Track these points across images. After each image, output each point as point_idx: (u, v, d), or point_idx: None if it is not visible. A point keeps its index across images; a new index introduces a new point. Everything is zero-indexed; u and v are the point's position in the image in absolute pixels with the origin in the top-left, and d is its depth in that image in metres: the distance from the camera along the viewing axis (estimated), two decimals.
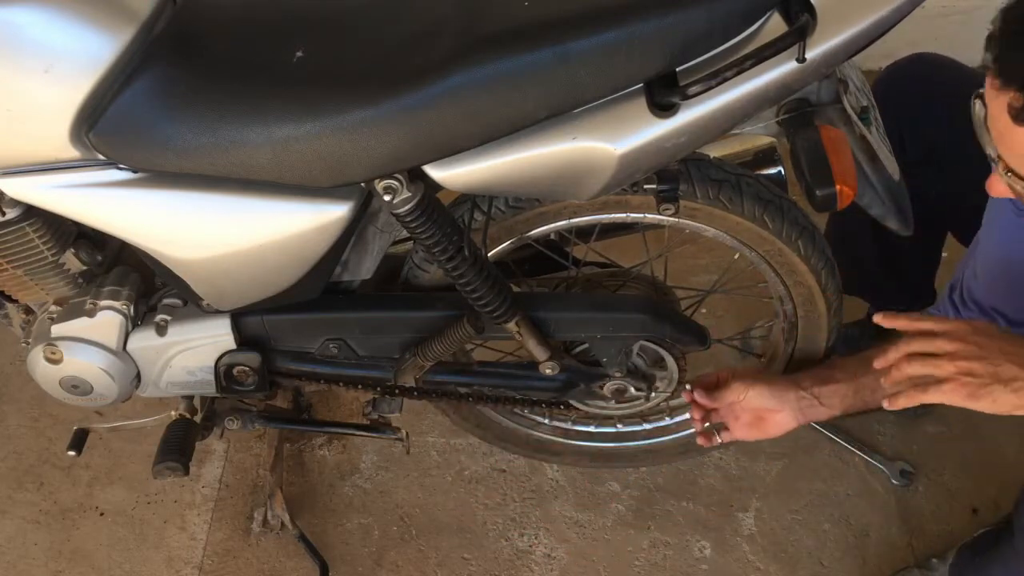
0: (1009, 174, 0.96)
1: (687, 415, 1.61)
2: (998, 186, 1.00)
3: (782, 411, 1.30)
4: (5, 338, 1.88)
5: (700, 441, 1.38)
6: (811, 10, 0.94)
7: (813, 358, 1.46)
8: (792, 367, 1.48)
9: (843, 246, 1.60)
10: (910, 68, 1.48)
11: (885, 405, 1.04)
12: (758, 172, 1.29)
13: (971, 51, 1.49)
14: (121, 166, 1.06)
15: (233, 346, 1.30)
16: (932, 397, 1.01)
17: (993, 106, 0.92)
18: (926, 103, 1.42)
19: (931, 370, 1.01)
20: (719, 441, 1.36)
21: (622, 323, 1.30)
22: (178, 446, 1.37)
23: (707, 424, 1.37)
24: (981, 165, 1.20)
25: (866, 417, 1.80)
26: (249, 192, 1.07)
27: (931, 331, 1.04)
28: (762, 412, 1.31)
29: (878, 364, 1.07)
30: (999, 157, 0.96)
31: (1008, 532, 1.30)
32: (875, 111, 1.22)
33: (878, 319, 1.09)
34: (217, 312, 1.28)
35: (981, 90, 0.95)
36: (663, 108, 0.97)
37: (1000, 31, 0.90)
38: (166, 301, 1.30)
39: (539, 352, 1.32)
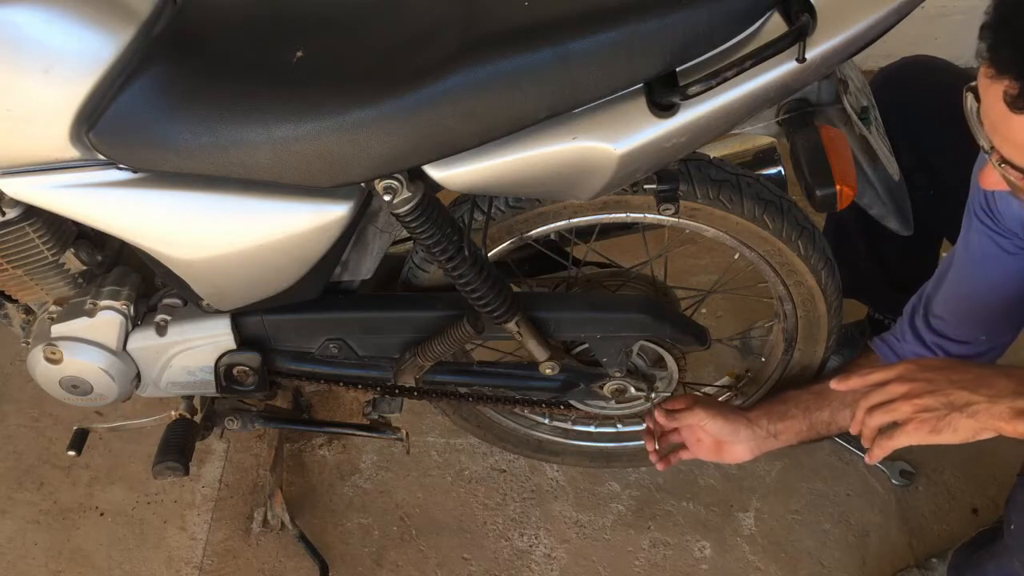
0: (1003, 165, 0.95)
1: None
2: (991, 177, 1.00)
3: (738, 444, 1.36)
4: (5, 338, 1.88)
5: (659, 466, 1.43)
6: (811, 10, 0.94)
7: (813, 359, 1.46)
8: (791, 368, 1.48)
9: (839, 249, 1.60)
10: (902, 72, 1.47)
11: (867, 460, 1.08)
12: (758, 172, 1.29)
13: (971, 51, 1.48)
14: (121, 166, 1.06)
15: (233, 346, 1.30)
16: (899, 441, 1.03)
17: (987, 96, 0.91)
18: (918, 107, 1.42)
19: (891, 416, 1.03)
20: (677, 460, 1.42)
21: (622, 323, 1.30)
22: (178, 446, 1.37)
23: (663, 448, 1.43)
24: (971, 169, 1.20)
25: None
26: (249, 192, 1.07)
27: (882, 380, 1.05)
28: (720, 440, 1.37)
29: (853, 429, 1.10)
30: (992, 148, 0.96)
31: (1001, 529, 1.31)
32: (875, 111, 1.22)
33: (834, 385, 1.12)
34: (217, 312, 1.28)
35: (973, 83, 0.95)
36: (663, 108, 0.97)
37: (993, 20, 0.89)
38: (166, 301, 1.30)
39: (539, 352, 1.32)
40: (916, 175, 1.42)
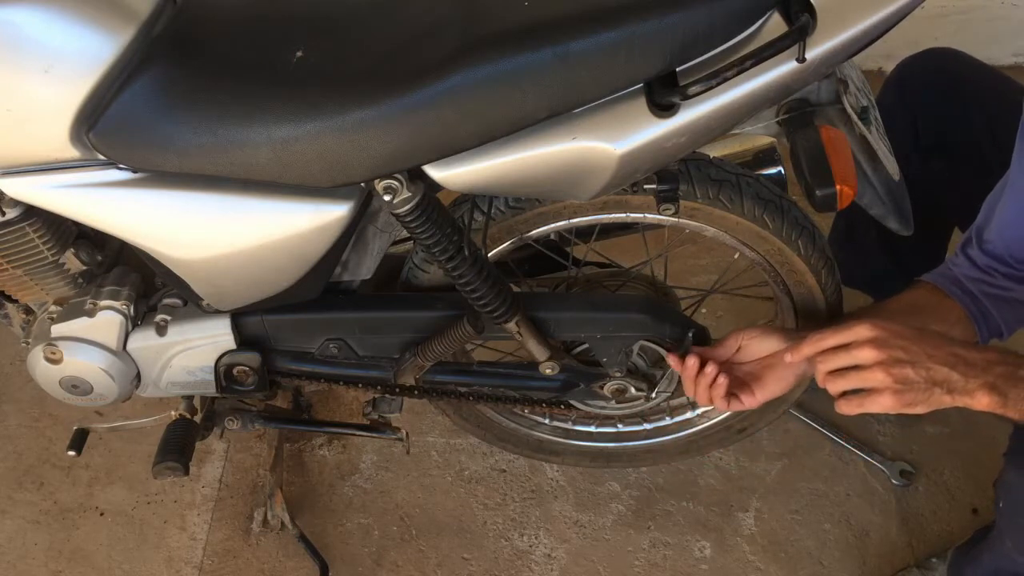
0: None
1: (688, 415, 1.62)
2: None
3: (774, 340, 1.20)
4: (5, 338, 1.89)
5: (722, 405, 1.20)
6: (811, 10, 0.94)
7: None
8: None
9: (850, 237, 1.61)
10: (930, 57, 1.50)
11: (837, 408, 1.05)
12: (758, 172, 1.29)
13: (969, 51, 1.51)
14: (121, 166, 1.06)
15: (233, 346, 1.30)
16: (872, 408, 1.02)
17: None
18: (942, 93, 1.45)
19: (864, 383, 1.01)
20: (742, 405, 1.21)
21: (622, 323, 1.30)
22: (178, 446, 1.37)
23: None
24: (990, 157, 1.19)
25: (866, 417, 1.80)
26: (249, 192, 1.07)
27: (841, 343, 1.04)
28: (761, 354, 1.21)
29: (820, 383, 1.07)
30: None
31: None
32: (875, 111, 1.22)
33: (788, 358, 1.09)
34: (217, 312, 1.28)
35: None
36: (663, 108, 0.97)
37: None
38: (166, 301, 1.30)
39: (539, 352, 1.32)
40: (934, 159, 1.43)
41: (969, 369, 1.00)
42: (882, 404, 1.01)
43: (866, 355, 1.01)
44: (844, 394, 1.04)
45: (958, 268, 1.23)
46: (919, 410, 1.01)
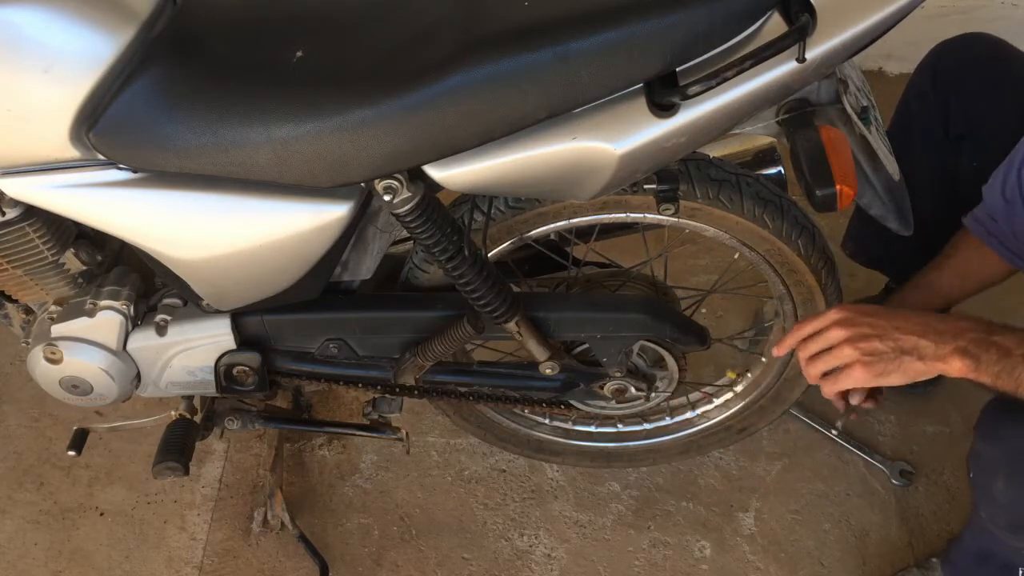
0: None
1: (687, 415, 1.62)
2: None
3: None
4: (5, 338, 1.89)
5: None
6: (811, 10, 0.94)
7: None
8: (792, 367, 1.48)
9: (871, 216, 1.61)
10: (965, 42, 1.50)
11: (823, 393, 1.11)
12: (758, 172, 1.29)
13: None
14: (121, 166, 1.06)
15: (233, 346, 1.30)
16: (844, 383, 1.06)
17: None
18: (976, 78, 1.46)
19: (835, 361, 1.07)
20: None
21: (622, 323, 1.30)
22: (178, 446, 1.37)
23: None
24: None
25: (866, 417, 1.80)
26: (249, 192, 1.07)
27: (816, 329, 1.09)
28: None
29: (803, 371, 1.13)
30: None
31: None
32: (875, 111, 1.22)
33: (775, 352, 1.15)
34: (217, 312, 1.28)
35: None
36: (663, 108, 0.97)
37: None
38: (166, 301, 1.30)
39: (539, 352, 1.32)
40: (964, 143, 1.45)
41: (939, 336, 1.04)
42: (855, 378, 1.05)
43: (834, 335, 1.07)
44: (825, 377, 1.09)
45: (988, 206, 1.26)
46: (895, 380, 1.05)
